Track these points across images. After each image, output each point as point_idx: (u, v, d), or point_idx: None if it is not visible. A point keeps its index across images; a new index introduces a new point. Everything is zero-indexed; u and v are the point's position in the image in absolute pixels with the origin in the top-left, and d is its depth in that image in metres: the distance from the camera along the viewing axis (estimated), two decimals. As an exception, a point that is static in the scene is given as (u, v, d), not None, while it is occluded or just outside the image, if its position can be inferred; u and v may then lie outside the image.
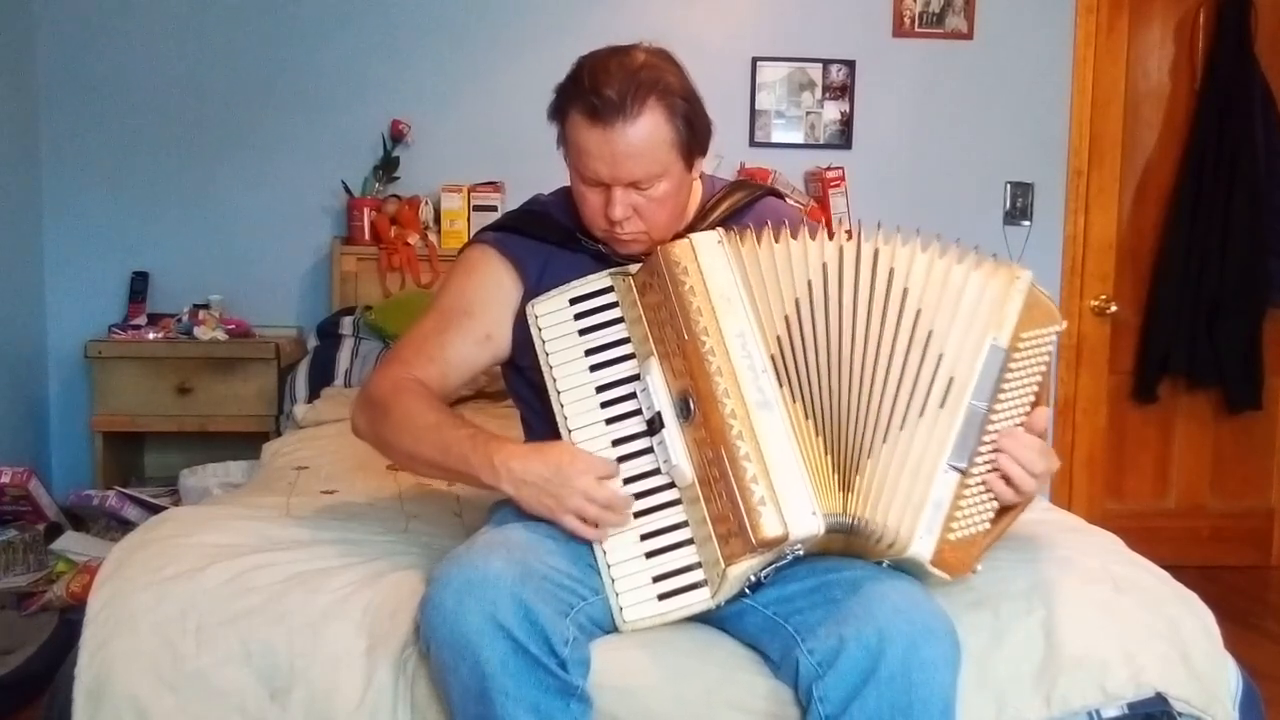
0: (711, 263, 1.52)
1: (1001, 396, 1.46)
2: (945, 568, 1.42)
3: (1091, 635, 1.50)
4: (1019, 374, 1.48)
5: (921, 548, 1.41)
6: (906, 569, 1.45)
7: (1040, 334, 1.50)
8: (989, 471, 1.45)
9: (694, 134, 1.59)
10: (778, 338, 1.49)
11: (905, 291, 1.49)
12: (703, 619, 1.50)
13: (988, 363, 1.46)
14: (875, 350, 1.48)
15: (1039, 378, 1.50)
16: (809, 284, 1.51)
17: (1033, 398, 1.49)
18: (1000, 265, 1.52)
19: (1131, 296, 3.86)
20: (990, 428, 1.45)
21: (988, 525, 1.45)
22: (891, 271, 1.50)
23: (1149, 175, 3.85)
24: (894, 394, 1.46)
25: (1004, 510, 1.48)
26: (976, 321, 1.48)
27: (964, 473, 1.43)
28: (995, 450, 1.45)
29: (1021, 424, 1.48)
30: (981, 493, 1.45)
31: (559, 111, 1.59)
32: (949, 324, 1.48)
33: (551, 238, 1.71)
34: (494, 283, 1.71)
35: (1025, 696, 1.47)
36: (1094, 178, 3.83)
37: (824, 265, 1.52)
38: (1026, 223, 3.83)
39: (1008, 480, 1.45)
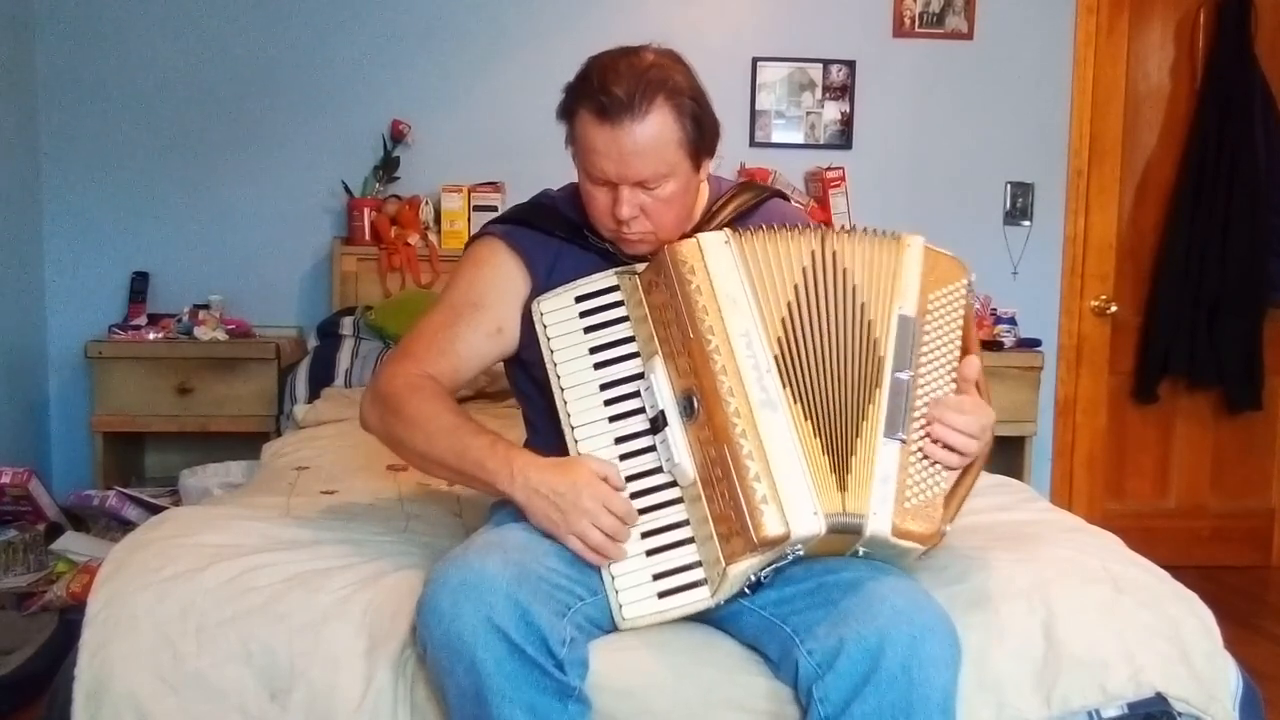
0: (718, 263, 1.53)
1: (923, 360, 1.50)
2: (912, 538, 1.43)
3: (1091, 635, 1.50)
4: (935, 334, 1.52)
5: (878, 524, 1.41)
6: (881, 553, 1.45)
7: (948, 291, 1.55)
8: (925, 438, 1.46)
9: (702, 134, 1.59)
10: (779, 339, 1.50)
11: (854, 288, 1.53)
12: (701, 619, 1.50)
13: (899, 333, 1.50)
14: (844, 349, 1.50)
15: (958, 332, 1.54)
16: (795, 287, 1.53)
17: (957, 351, 1.53)
18: (893, 239, 1.57)
19: (1131, 297, 3.86)
20: (920, 392, 1.48)
21: (944, 487, 1.46)
22: (845, 271, 1.54)
23: (1149, 175, 3.85)
24: (857, 387, 1.48)
25: (963, 471, 1.49)
26: (884, 297, 1.52)
27: (904, 442, 1.45)
28: (926, 417, 1.47)
29: (954, 380, 1.50)
30: (925, 458, 1.46)
31: (568, 110, 1.59)
32: (876, 307, 1.52)
33: (560, 233, 1.71)
34: (503, 275, 1.71)
35: (1025, 696, 1.47)
36: (1094, 178, 3.83)
37: (804, 270, 1.54)
38: (1026, 223, 3.83)
39: (945, 445, 1.46)
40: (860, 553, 1.46)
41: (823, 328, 1.51)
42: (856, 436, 1.46)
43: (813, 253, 1.55)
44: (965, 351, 1.53)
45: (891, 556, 1.46)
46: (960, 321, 1.54)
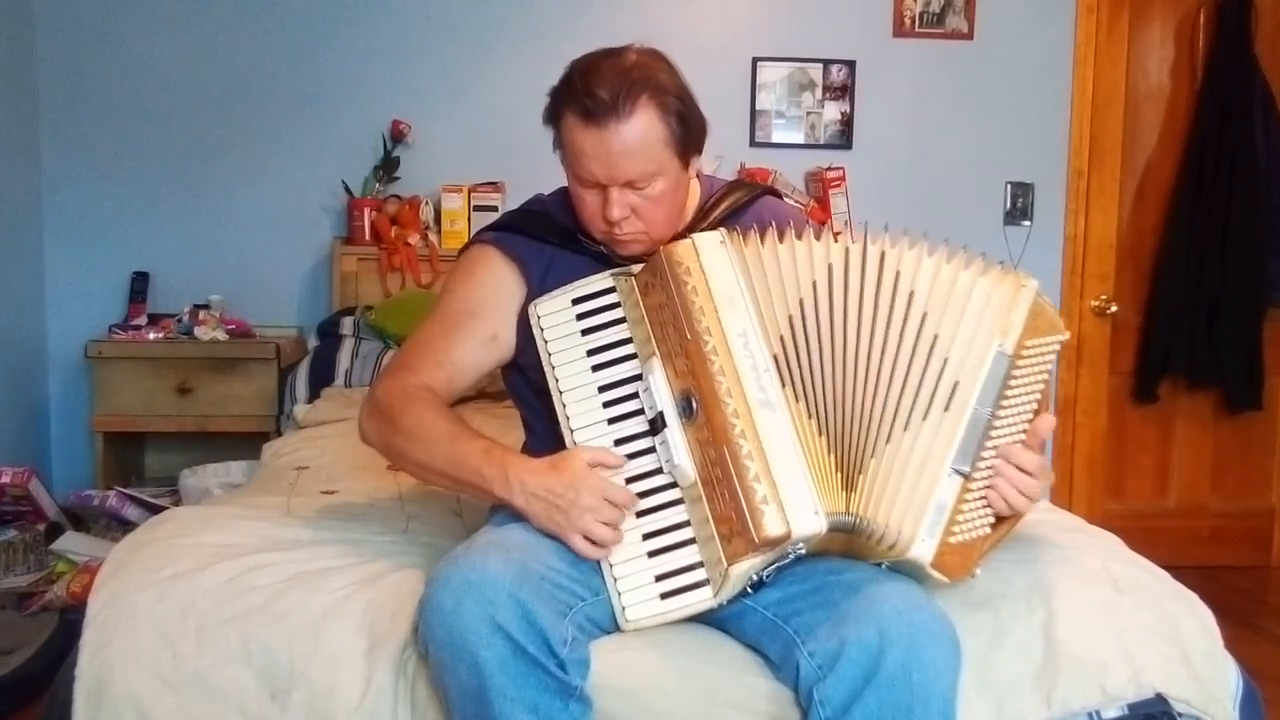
0: (714, 263, 1.53)
1: (1005, 403, 1.47)
2: (945, 570, 1.43)
3: (1091, 635, 1.50)
4: (1022, 381, 1.49)
5: (923, 550, 1.41)
6: (906, 570, 1.45)
7: (1044, 343, 1.51)
8: (989, 479, 1.45)
9: (688, 132, 1.59)
10: (780, 337, 1.49)
11: (911, 294, 1.50)
12: (703, 620, 1.50)
13: (993, 368, 1.47)
14: (880, 350, 1.48)
15: (1042, 385, 1.51)
16: (814, 284, 1.51)
17: (1035, 405, 1.50)
18: (1007, 272, 1.53)
19: (1131, 296, 3.86)
20: (994, 433, 1.46)
21: (988, 530, 1.46)
22: (898, 274, 1.51)
23: (1149, 175, 3.85)
24: (898, 394, 1.47)
25: (1002, 518, 1.48)
26: (982, 327, 1.48)
27: (967, 477, 1.44)
28: (996, 459, 1.45)
29: (1025, 431, 1.49)
30: (981, 499, 1.46)
31: (553, 115, 1.59)
32: (955, 328, 1.48)
33: (553, 238, 1.71)
34: (497, 282, 1.71)
35: (1025, 697, 1.47)
36: (1094, 178, 3.83)
37: (830, 266, 1.52)
38: (1026, 223, 3.83)
39: (1003, 496, 1.46)
40: (884, 565, 1.46)
41: (845, 329, 1.49)
42: (885, 441, 1.45)
43: (846, 250, 1.52)
44: (1039, 409, 1.51)
45: (913, 577, 1.46)
46: (1046, 375, 1.52)
